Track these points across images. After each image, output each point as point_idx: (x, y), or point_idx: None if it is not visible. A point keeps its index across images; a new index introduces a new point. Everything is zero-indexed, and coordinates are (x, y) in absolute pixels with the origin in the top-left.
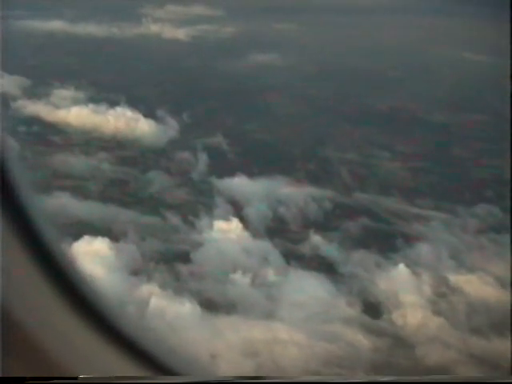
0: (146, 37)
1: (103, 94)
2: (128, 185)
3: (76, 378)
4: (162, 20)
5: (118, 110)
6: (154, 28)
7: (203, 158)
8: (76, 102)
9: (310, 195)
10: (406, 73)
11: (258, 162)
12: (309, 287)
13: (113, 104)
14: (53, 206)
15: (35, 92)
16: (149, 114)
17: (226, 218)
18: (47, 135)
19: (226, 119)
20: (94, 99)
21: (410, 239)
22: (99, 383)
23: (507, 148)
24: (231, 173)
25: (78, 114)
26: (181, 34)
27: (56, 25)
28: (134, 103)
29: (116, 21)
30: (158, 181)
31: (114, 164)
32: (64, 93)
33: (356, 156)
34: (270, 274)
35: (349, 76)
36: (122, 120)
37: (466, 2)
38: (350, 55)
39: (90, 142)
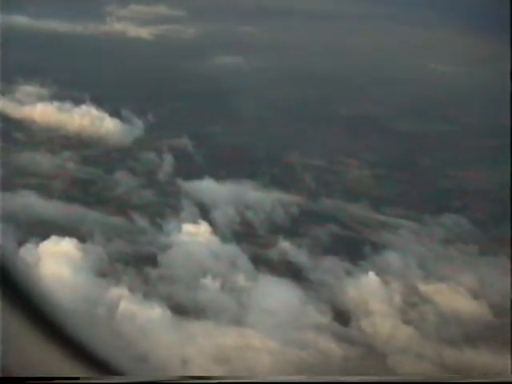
0: (110, 35)
1: (68, 92)
2: (94, 185)
3: (78, 378)
4: (125, 19)
5: (84, 108)
6: (118, 26)
7: (169, 160)
8: (41, 99)
9: (278, 200)
10: (373, 80)
11: (224, 166)
12: (279, 293)
13: (78, 102)
14: (18, 204)
15: None
16: (114, 113)
17: (194, 221)
18: (12, 132)
19: (191, 121)
20: (58, 97)
21: (378, 247)
22: (99, 383)
23: (471, 158)
24: (198, 175)
25: (42, 112)
26: (144, 32)
27: (19, 20)
28: (100, 102)
29: (80, 18)
30: (124, 181)
31: (80, 163)
32: (29, 89)
33: (322, 162)
34: (240, 280)
35: (314, 81)
36: (87, 118)
37: (435, 13)
38: (315, 60)
39: (55, 139)
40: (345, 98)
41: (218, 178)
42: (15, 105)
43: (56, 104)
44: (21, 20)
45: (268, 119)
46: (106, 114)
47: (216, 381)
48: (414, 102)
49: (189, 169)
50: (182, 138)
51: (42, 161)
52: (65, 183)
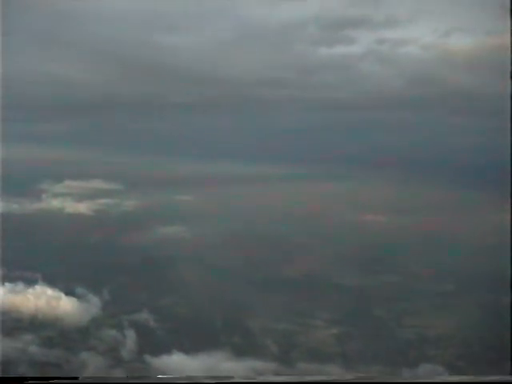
0: (48, 212)
1: (18, 273)
2: (60, 368)
3: (76, 378)
4: (62, 195)
5: (38, 288)
6: (55, 203)
7: (131, 336)
8: None
9: (252, 368)
10: (313, 238)
11: (188, 338)
12: None
13: (30, 282)
14: None
15: None
16: (69, 291)
17: None
18: None
19: (145, 294)
20: (9, 278)
21: None
22: (99, 383)
23: (424, 306)
24: (166, 350)
25: None
26: (83, 208)
27: None
28: (52, 281)
29: (15, 196)
30: (91, 362)
31: (42, 346)
32: None
33: (282, 325)
34: None
35: (256, 244)
36: (42, 299)
37: (364, 167)
38: (254, 223)
39: (8, 323)
40: (287, 258)
41: (186, 350)
42: None
43: (7, 286)
44: None
45: (217, 286)
46: (61, 294)
47: (215, 381)
48: (357, 255)
49: (153, 344)
50: (142, 312)
51: (3, 345)
52: (32, 367)
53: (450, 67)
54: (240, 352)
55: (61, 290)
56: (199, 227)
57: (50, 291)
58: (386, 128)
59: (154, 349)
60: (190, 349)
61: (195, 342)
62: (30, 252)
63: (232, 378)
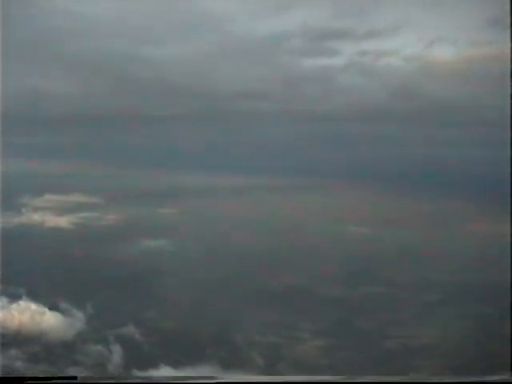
0: (28, 226)
1: (1, 288)
2: None
3: (75, 378)
4: (42, 209)
5: (22, 303)
6: (36, 217)
7: (117, 350)
8: None
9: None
10: (299, 250)
11: (175, 351)
12: None
13: (14, 298)
14: None
15: None
16: (53, 306)
17: None
18: None
19: (128, 308)
20: None
21: None
22: (99, 383)
23: (409, 316)
24: (153, 364)
25: None
26: (63, 222)
27: None
28: (36, 296)
29: None
30: (79, 378)
31: (27, 361)
32: None
33: (266, 338)
34: None
35: (241, 256)
36: (26, 314)
37: (350, 177)
38: (236, 235)
39: None
40: (273, 271)
41: (174, 364)
42: None
43: None
44: None
45: (201, 299)
46: (45, 309)
47: (216, 381)
48: (341, 267)
49: (140, 358)
50: (127, 326)
51: None
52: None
53: (434, 78)
54: (227, 365)
55: (45, 304)
56: (184, 240)
57: (34, 306)
58: (371, 140)
59: (140, 363)
60: (177, 362)
61: (182, 355)
62: (15, 268)
63: (235, 378)
